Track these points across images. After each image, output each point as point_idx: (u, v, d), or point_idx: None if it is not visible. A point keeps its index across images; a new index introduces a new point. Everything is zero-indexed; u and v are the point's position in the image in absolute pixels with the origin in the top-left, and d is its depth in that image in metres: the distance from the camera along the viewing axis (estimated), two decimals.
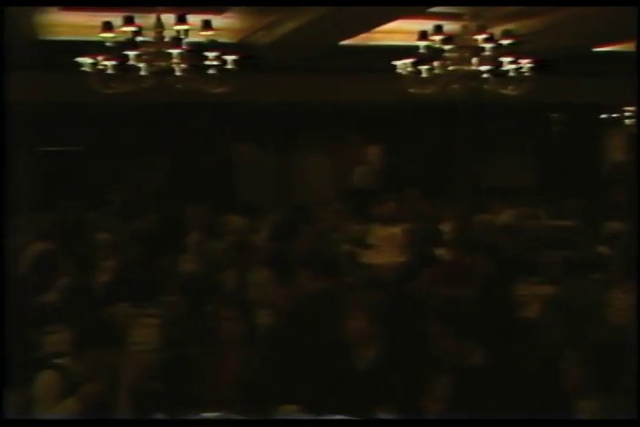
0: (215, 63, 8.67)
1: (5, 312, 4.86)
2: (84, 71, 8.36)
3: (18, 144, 14.07)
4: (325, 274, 6.32)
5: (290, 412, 4.43)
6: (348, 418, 3.94)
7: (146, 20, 8.59)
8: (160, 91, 8.53)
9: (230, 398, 4.72)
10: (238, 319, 5.10)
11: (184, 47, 8.42)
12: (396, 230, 8.67)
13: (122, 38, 8.29)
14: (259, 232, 8.70)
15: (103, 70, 8.33)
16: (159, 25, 8.58)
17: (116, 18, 8.32)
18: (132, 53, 8.31)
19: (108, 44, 8.23)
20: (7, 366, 4.41)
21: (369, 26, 10.40)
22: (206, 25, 8.64)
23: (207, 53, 8.63)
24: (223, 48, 8.77)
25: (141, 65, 8.37)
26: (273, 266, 6.91)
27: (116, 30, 8.26)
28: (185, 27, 8.36)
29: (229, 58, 8.75)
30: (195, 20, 8.50)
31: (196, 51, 8.58)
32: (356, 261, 7.37)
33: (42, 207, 9.94)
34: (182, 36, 8.41)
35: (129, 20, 8.24)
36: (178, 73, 8.45)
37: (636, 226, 8.03)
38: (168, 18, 8.53)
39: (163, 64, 8.43)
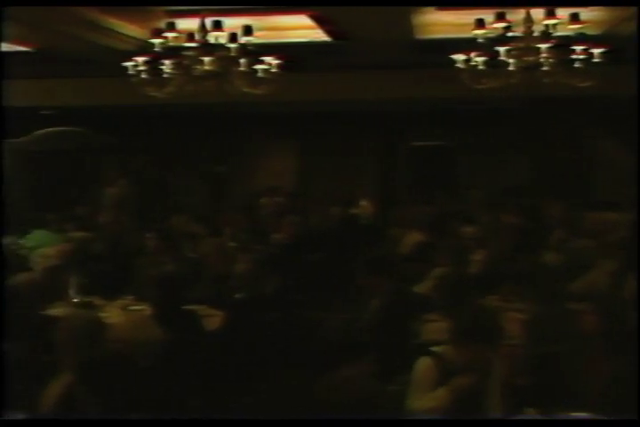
0: (582, 57, 8.32)
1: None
2: (458, 68, 8.37)
3: (393, 140, 14.70)
4: None
5: None
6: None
7: (515, 15, 8.41)
8: (526, 86, 8.35)
9: (599, 400, 4.53)
10: (607, 319, 4.87)
11: (552, 41, 8.16)
12: None
13: (492, 34, 8.19)
14: (621, 230, 8.25)
15: (475, 66, 8.30)
16: (529, 20, 8.36)
17: (485, 15, 8.23)
18: (502, 49, 8.20)
19: (479, 40, 8.18)
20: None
21: None
22: (574, 18, 8.30)
23: (574, 47, 8.30)
24: (589, 41, 8.37)
25: (511, 60, 8.23)
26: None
27: (487, 27, 8.17)
28: (554, 21, 8.09)
29: (596, 51, 8.35)
30: (562, 13, 8.19)
31: (564, 44, 8.27)
32: None
33: (417, 200, 10.23)
34: (551, 31, 8.15)
35: (500, 17, 8.13)
36: (545, 67, 8.21)
37: None
38: (537, 13, 8.30)
39: (531, 59, 8.24)
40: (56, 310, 6.08)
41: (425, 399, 4.26)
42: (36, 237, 9.15)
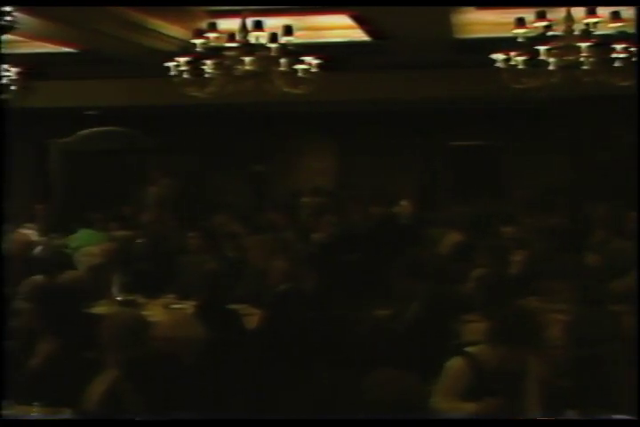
0: (622, 55, 8.22)
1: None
2: (497, 67, 8.31)
3: (433, 139, 14.64)
4: None
5: None
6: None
7: (555, 14, 8.33)
8: (567, 85, 8.28)
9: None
10: None
11: (593, 40, 8.07)
12: None
13: (533, 34, 8.13)
14: None
15: (515, 66, 8.24)
16: (569, 18, 8.28)
17: (525, 14, 8.17)
18: (542, 48, 8.13)
19: (519, 39, 8.12)
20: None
21: None
22: (615, 16, 8.21)
23: (615, 45, 8.20)
24: (630, 39, 8.26)
25: (551, 59, 8.16)
26: None
27: (527, 26, 8.11)
28: (594, 19, 8.00)
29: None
30: (603, 12, 8.10)
31: (605, 43, 8.18)
32: None
33: (457, 200, 10.18)
34: (591, 29, 8.06)
35: (541, 16, 8.06)
36: (586, 66, 8.12)
37: None
38: (578, 11, 8.21)
39: (571, 58, 8.16)
40: (100, 308, 6.18)
41: (452, 408, 4.23)
42: (81, 236, 9.27)
